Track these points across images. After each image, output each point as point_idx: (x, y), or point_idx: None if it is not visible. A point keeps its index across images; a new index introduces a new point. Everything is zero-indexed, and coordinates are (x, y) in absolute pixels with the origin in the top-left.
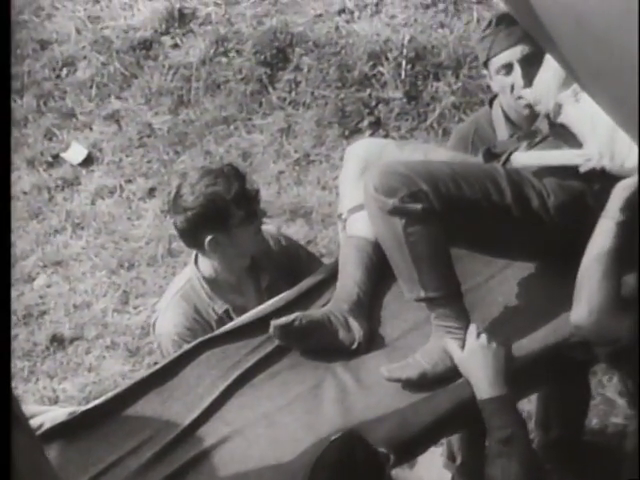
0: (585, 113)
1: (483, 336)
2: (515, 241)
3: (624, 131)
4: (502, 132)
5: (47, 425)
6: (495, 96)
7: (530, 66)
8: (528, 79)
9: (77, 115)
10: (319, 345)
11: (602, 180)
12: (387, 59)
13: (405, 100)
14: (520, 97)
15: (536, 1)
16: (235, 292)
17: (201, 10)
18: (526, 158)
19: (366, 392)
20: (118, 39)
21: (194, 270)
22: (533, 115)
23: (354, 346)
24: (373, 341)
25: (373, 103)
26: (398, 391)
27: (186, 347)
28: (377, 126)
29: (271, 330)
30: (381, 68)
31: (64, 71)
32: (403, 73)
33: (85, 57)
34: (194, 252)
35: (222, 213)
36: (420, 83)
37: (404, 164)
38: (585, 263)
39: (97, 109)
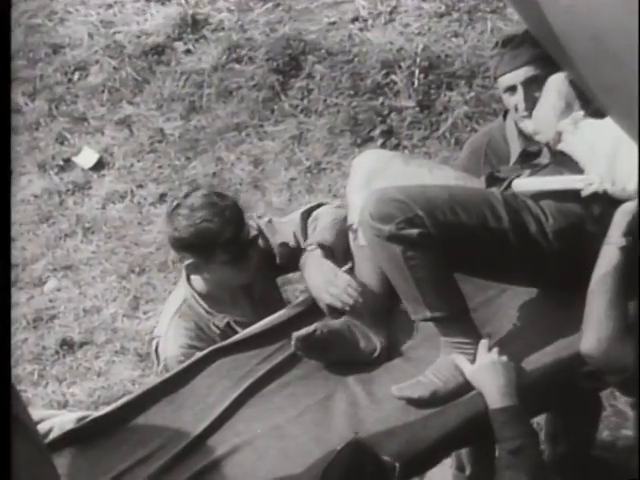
0: (585, 140)
1: (494, 350)
2: (514, 267)
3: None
4: (515, 145)
5: (56, 431)
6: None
7: (533, 90)
8: (530, 102)
9: (89, 120)
10: (341, 356)
11: (604, 204)
12: (400, 68)
13: (418, 109)
14: (524, 118)
15: (552, 16)
16: (231, 306)
17: (214, 16)
18: (528, 184)
19: (377, 406)
20: (130, 44)
21: (188, 289)
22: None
23: (375, 354)
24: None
25: (385, 112)
26: (408, 405)
27: (197, 355)
28: (389, 135)
29: (293, 343)
30: (394, 77)
31: (76, 75)
32: (416, 82)
33: (97, 62)
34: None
35: (207, 251)
36: (433, 92)
37: (400, 190)
38: (591, 291)
39: (109, 114)
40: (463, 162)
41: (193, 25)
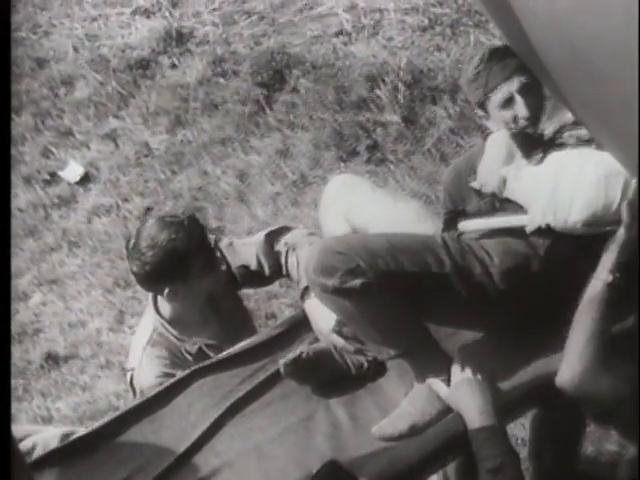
0: (527, 183)
1: (468, 369)
2: (459, 311)
3: (619, 162)
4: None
5: (39, 448)
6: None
7: (530, 95)
8: (531, 108)
9: (74, 134)
10: (330, 375)
11: (549, 243)
12: (384, 82)
13: (403, 124)
14: (526, 126)
15: (532, 31)
16: (201, 326)
17: (198, 30)
18: (473, 224)
19: (359, 430)
20: (115, 58)
21: (156, 317)
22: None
23: (364, 368)
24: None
25: (370, 126)
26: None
27: (179, 375)
28: (374, 149)
29: (282, 369)
30: (378, 91)
31: (62, 90)
32: (400, 96)
33: (83, 76)
34: (150, 298)
35: (181, 267)
36: (417, 107)
37: (340, 240)
38: (574, 323)
39: (95, 128)
40: (447, 186)
41: (178, 39)
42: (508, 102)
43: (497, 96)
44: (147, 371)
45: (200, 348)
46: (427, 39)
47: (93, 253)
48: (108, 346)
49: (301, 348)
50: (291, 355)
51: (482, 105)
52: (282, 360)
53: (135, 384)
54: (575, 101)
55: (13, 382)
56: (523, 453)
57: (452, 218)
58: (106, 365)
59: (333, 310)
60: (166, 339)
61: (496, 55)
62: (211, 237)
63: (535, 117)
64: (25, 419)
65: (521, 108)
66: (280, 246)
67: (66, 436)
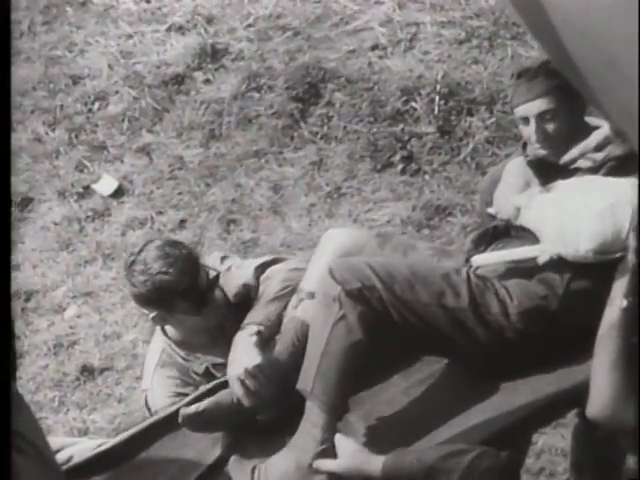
0: (538, 212)
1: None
2: (468, 347)
3: None
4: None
5: (75, 459)
6: None
7: (546, 122)
8: (543, 135)
9: (108, 148)
10: (229, 428)
11: (567, 281)
12: (420, 95)
13: (438, 135)
14: (538, 147)
15: (568, 42)
16: (208, 347)
17: (234, 46)
18: (485, 259)
19: None
20: (150, 74)
21: (164, 339)
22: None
23: (308, 389)
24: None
25: (406, 138)
26: None
27: (201, 389)
28: (409, 160)
29: (180, 419)
30: (414, 104)
31: (96, 105)
32: (436, 108)
33: (117, 92)
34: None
35: (167, 302)
36: (453, 118)
37: (366, 261)
38: (595, 354)
39: (128, 142)
40: (482, 195)
41: (213, 55)
42: (526, 121)
43: (518, 112)
44: (159, 392)
45: (207, 368)
46: (464, 52)
47: None
48: (143, 358)
49: (207, 403)
50: (192, 409)
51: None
52: (182, 410)
53: (150, 404)
54: (614, 111)
55: (49, 394)
56: (563, 464)
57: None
58: (141, 377)
59: (314, 315)
60: (174, 360)
61: (525, 75)
62: (212, 273)
63: (548, 143)
64: (61, 431)
65: (532, 133)
66: (263, 277)
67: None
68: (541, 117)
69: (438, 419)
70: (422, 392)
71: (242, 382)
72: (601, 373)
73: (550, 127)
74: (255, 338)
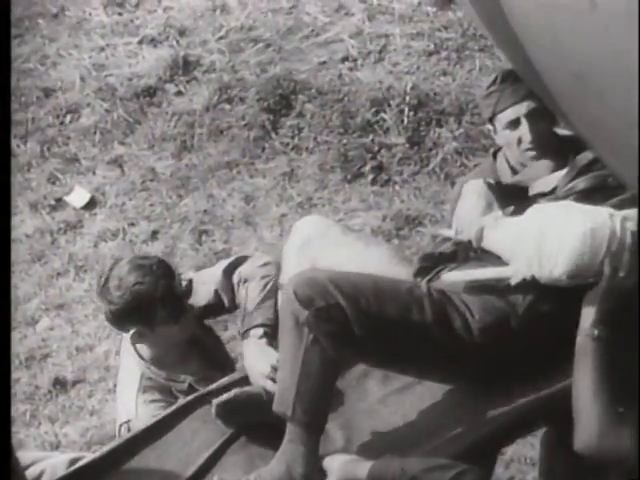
0: (507, 234)
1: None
2: (433, 361)
3: (621, 178)
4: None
5: (47, 476)
6: (499, 148)
7: (537, 120)
8: (535, 133)
9: (80, 160)
10: (259, 419)
11: (528, 301)
12: (390, 106)
13: (407, 145)
14: (528, 150)
15: (535, 54)
16: (182, 364)
17: (205, 58)
18: (454, 276)
19: None
20: (122, 86)
21: (141, 363)
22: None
23: (289, 414)
24: None
25: (376, 148)
26: None
27: (181, 401)
28: (379, 171)
29: (213, 410)
30: (384, 115)
31: (68, 117)
32: (406, 119)
33: (89, 104)
34: (130, 345)
35: (146, 312)
36: (423, 129)
37: (328, 275)
38: (574, 387)
39: (100, 154)
40: (453, 205)
41: (184, 67)
42: (514, 124)
43: (505, 116)
44: (144, 417)
45: (190, 385)
46: (433, 64)
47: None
48: (116, 370)
49: (235, 390)
50: (225, 396)
51: (491, 120)
52: (215, 400)
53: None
54: (580, 122)
55: (21, 408)
56: (532, 473)
57: (422, 270)
58: (114, 389)
59: (283, 336)
60: (156, 382)
61: (509, 78)
62: (185, 281)
63: (539, 143)
64: (33, 445)
65: (526, 132)
66: (235, 277)
67: (74, 461)
68: (532, 116)
69: (413, 430)
70: (399, 403)
71: (272, 379)
72: (583, 406)
73: (542, 126)
74: (265, 339)
